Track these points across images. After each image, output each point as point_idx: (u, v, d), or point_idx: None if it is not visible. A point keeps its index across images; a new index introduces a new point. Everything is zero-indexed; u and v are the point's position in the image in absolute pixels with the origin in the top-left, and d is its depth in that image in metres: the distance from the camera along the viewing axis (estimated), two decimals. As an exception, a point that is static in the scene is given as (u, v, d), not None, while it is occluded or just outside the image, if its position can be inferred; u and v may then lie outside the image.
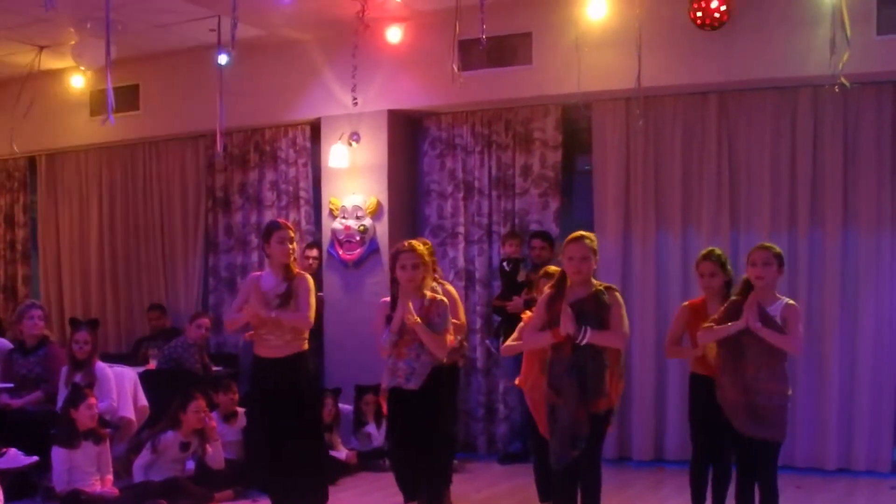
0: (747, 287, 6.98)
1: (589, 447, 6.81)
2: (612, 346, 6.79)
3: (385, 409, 7.99)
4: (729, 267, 7.71)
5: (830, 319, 10.27)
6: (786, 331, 6.82)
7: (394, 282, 7.48)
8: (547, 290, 7.10)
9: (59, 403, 9.33)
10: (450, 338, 7.52)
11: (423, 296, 7.36)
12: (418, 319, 7.27)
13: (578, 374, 6.71)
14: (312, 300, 7.82)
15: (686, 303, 7.96)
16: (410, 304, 7.26)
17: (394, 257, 7.46)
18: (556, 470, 6.93)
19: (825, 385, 10.28)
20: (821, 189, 10.35)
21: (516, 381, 8.08)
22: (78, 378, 9.43)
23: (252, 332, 7.96)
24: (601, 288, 6.86)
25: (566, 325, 6.69)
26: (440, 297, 7.51)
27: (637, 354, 10.70)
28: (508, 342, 8.10)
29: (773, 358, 6.81)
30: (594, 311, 6.76)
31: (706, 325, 7.12)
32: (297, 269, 7.91)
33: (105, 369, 9.78)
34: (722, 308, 7.14)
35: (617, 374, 6.95)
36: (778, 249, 6.99)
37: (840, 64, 8.64)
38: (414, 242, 7.52)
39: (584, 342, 6.66)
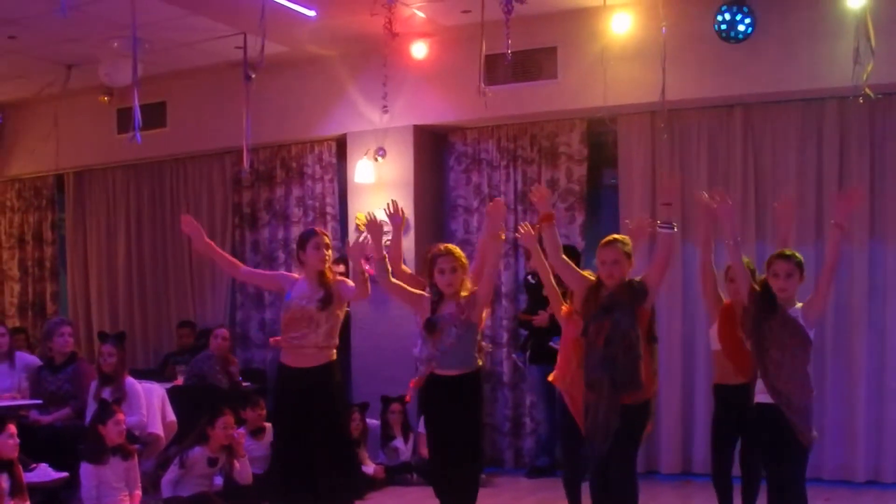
0: (766, 291, 6.90)
1: (622, 447, 6.77)
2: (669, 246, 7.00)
3: (409, 396, 7.90)
4: (757, 277, 7.70)
5: (858, 330, 10.24)
6: (808, 324, 6.80)
7: (433, 286, 7.38)
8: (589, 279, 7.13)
9: (88, 418, 9.36)
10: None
11: (460, 299, 7.30)
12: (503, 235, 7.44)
13: (610, 366, 6.70)
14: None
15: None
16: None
17: (431, 262, 7.37)
18: (593, 474, 6.91)
19: (853, 396, 10.24)
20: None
21: (550, 377, 8.01)
22: (107, 393, 9.45)
23: (280, 337, 7.87)
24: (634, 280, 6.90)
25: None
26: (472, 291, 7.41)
27: (664, 368, 10.63)
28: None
29: (794, 357, 6.77)
30: (628, 300, 6.77)
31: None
32: (332, 276, 7.77)
33: (134, 384, 9.80)
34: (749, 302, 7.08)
35: (651, 369, 6.96)
36: (799, 257, 6.90)
37: (865, 75, 8.63)
38: (450, 246, 7.44)
39: (665, 229, 6.92)
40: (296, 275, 7.85)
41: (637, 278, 6.89)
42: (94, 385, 9.68)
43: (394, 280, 7.47)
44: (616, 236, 6.98)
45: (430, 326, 7.24)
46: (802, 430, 6.69)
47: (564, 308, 7.65)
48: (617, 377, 6.69)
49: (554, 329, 9.54)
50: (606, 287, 6.88)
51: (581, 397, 7.21)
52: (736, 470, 7.84)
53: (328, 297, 7.58)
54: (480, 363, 7.40)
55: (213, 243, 8.02)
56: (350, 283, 7.84)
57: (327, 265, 7.74)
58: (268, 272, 8.02)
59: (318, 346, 7.56)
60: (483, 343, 7.54)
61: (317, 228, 8.05)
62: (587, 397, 6.90)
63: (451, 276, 7.22)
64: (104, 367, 9.66)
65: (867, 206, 10.22)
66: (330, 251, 7.78)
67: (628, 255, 6.89)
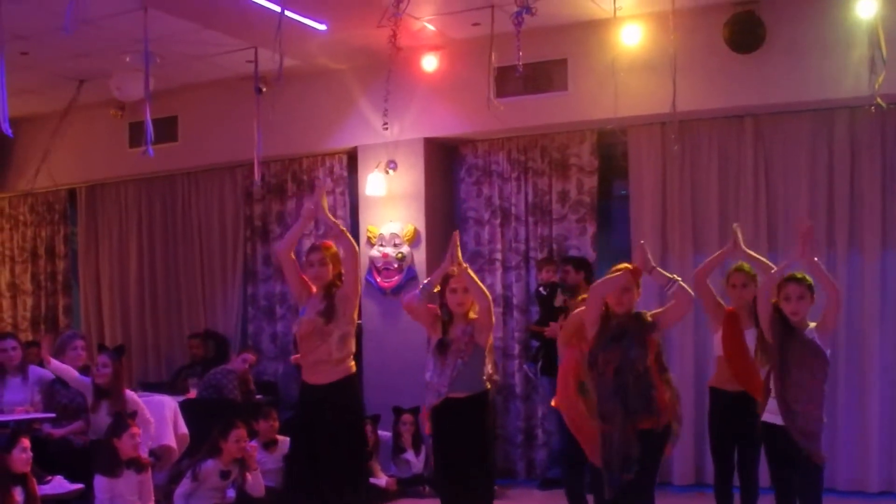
0: (782, 315, 6.91)
1: (642, 470, 6.72)
2: (688, 297, 6.83)
3: (428, 428, 7.89)
4: (759, 282, 7.73)
5: (870, 340, 10.23)
6: (824, 344, 6.81)
7: (443, 306, 7.41)
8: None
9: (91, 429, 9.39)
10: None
11: (470, 320, 7.34)
12: (465, 265, 7.33)
13: (623, 394, 6.70)
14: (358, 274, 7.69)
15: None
16: (457, 238, 7.38)
17: (443, 281, 7.39)
18: (611, 499, 6.88)
19: (867, 407, 10.23)
20: (859, 211, 10.33)
21: (553, 403, 8.06)
22: (105, 406, 9.39)
23: (299, 355, 7.84)
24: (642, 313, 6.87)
25: (638, 258, 6.84)
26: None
27: (676, 380, 10.64)
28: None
29: (814, 379, 6.77)
30: (636, 329, 6.75)
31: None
32: (339, 287, 7.59)
33: (136, 399, 9.69)
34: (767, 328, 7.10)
35: (671, 395, 6.93)
36: (810, 279, 6.92)
37: (876, 85, 8.63)
38: (463, 265, 7.47)
39: (672, 288, 6.77)
40: (314, 288, 7.76)
41: (649, 315, 6.88)
42: (90, 399, 9.59)
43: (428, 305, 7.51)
44: (627, 265, 6.97)
45: (443, 347, 7.28)
46: (814, 451, 6.69)
47: (564, 334, 7.74)
48: (630, 404, 6.69)
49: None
50: (615, 315, 6.88)
51: (582, 421, 7.26)
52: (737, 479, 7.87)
53: (329, 309, 7.46)
54: (489, 386, 7.44)
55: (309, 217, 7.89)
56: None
57: (331, 276, 7.59)
58: (305, 277, 7.81)
59: (333, 357, 7.45)
60: (491, 370, 7.54)
61: (318, 242, 7.97)
62: (601, 428, 6.86)
63: (463, 296, 7.29)
64: (98, 378, 9.51)
65: (878, 215, 10.23)
66: (330, 265, 7.59)
67: (637, 284, 6.90)
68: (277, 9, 9.21)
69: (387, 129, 10.89)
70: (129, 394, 9.67)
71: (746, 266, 7.87)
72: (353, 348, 7.66)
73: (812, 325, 6.85)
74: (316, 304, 7.54)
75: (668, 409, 6.91)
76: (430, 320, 7.51)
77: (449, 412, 7.29)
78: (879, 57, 8.69)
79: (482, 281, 10.34)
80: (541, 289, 11.11)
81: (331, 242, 7.85)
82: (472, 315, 7.34)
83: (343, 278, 7.58)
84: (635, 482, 6.75)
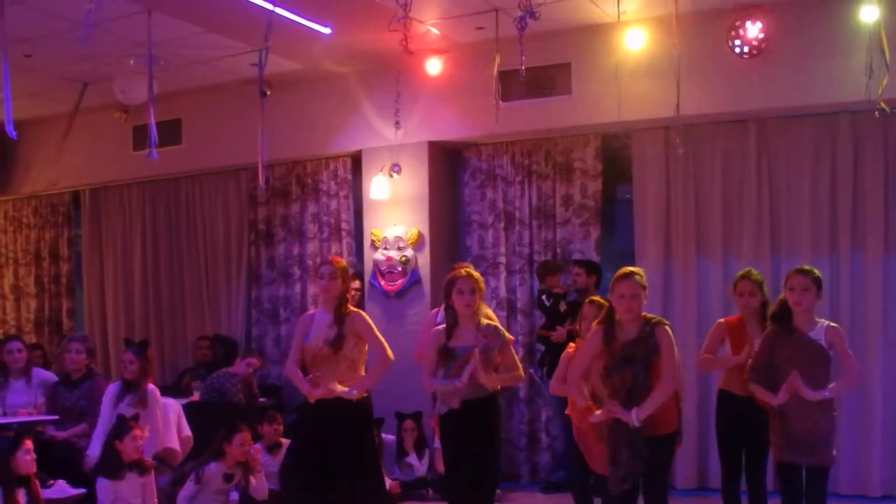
0: (784, 309, 6.94)
1: (656, 474, 6.75)
2: (667, 397, 6.67)
3: (437, 432, 7.88)
4: (766, 289, 7.76)
5: (873, 344, 10.21)
6: (837, 357, 6.83)
7: (449, 309, 7.38)
8: (595, 325, 7.02)
9: (100, 425, 9.35)
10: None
11: (478, 322, 7.32)
12: (490, 379, 7.18)
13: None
14: (380, 335, 7.73)
15: (723, 319, 7.97)
16: (478, 357, 7.14)
17: (450, 283, 7.36)
18: (614, 496, 6.88)
19: (869, 411, 10.22)
20: (862, 214, 10.32)
21: (567, 411, 8.07)
22: (127, 399, 9.41)
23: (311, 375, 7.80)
24: (648, 327, 6.71)
25: (616, 413, 6.66)
26: (494, 322, 7.44)
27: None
28: (556, 380, 8.06)
29: (818, 386, 6.79)
30: (643, 355, 6.64)
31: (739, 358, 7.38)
32: (349, 308, 7.72)
33: (156, 393, 9.69)
34: (759, 347, 7.12)
35: (676, 400, 6.95)
36: (817, 273, 6.95)
37: (879, 89, 8.61)
38: (470, 269, 7.48)
39: (639, 423, 6.55)
40: (311, 310, 7.75)
41: (653, 338, 6.69)
42: (115, 389, 9.59)
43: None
44: (632, 269, 6.86)
45: (447, 356, 7.26)
46: (825, 453, 6.72)
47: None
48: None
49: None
50: (622, 326, 6.76)
51: (591, 431, 7.29)
52: (745, 484, 7.87)
53: (339, 339, 7.56)
54: (498, 387, 7.44)
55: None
56: (366, 317, 7.82)
57: (339, 294, 7.67)
58: (295, 339, 7.90)
59: (343, 381, 7.54)
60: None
61: (331, 256, 7.97)
62: (609, 435, 6.83)
63: (471, 298, 7.27)
64: (125, 374, 9.53)
65: (882, 218, 10.23)
66: (339, 280, 7.66)
67: (644, 287, 6.77)
68: (282, 12, 9.22)
69: (399, 128, 10.85)
70: (152, 388, 9.63)
71: (754, 273, 7.87)
72: (363, 372, 7.71)
73: (822, 323, 6.88)
74: (322, 326, 7.57)
75: (676, 414, 6.94)
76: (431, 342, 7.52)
77: (459, 413, 7.28)
78: (882, 61, 8.67)
79: (486, 285, 10.36)
80: (543, 298, 11.07)
81: (341, 258, 7.88)
82: (481, 320, 7.33)
83: (359, 315, 7.75)
84: (651, 489, 6.77)
